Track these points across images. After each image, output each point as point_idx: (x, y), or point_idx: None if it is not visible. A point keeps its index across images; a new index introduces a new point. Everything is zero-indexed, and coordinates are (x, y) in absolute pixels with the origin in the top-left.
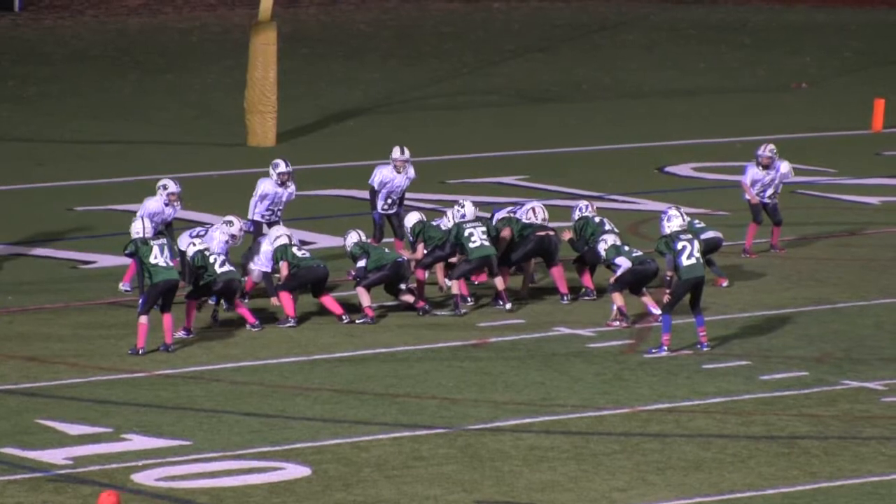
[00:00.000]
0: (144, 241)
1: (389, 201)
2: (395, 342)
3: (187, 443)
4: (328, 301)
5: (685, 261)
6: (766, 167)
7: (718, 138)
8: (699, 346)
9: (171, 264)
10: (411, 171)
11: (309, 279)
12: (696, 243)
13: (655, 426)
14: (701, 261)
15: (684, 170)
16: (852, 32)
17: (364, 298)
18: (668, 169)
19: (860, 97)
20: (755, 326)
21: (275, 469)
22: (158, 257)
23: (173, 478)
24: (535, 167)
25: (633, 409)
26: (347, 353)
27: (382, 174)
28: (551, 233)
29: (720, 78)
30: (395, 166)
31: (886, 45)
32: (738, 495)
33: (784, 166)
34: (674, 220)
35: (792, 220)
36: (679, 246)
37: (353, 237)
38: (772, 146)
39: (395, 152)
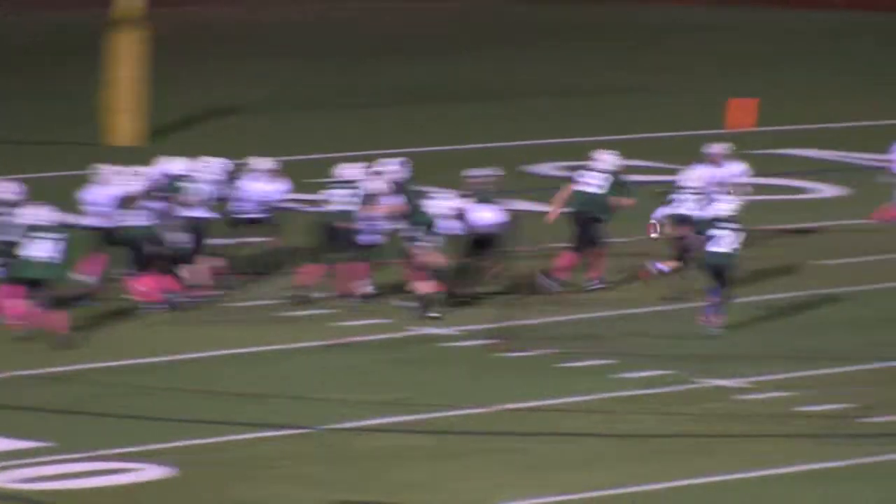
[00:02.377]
0: None
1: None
2: (258, 341)
3: (48, 444)
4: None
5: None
6: (714, 164)
7: (590, 138)
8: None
9: None
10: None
11: None
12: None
13: (518, 425)
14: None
15: (547, 168)
16: (720, 31)
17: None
18: (531, 168)
19: (721, 97)
20: (617, 325)
21: (137, 470)
22: None
23: (33, 479)
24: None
25: (495, 407)
26: (210, 352)
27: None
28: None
29: (595, 78)
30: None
31: (750, 45)
32: (600, 493)
33: (736, 167)
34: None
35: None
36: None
37: None
38: (725, 145)
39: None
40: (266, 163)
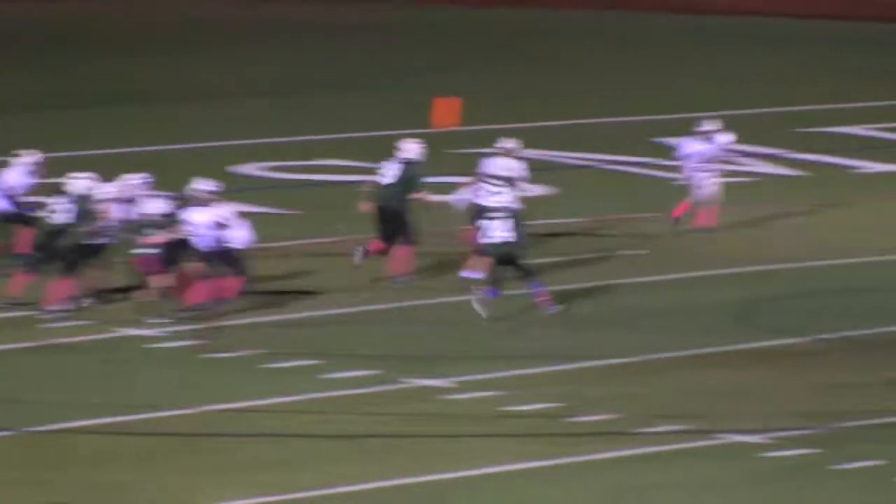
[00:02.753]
0: None
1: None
2: None
3: None
4: None
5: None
6: (706, 140)
7: (288, 137)
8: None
9: None
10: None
11: None
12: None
13: (224, 426)
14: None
15: (252, 169)
16: (420, 30)
17: None
18: (236, 168)
19: (424, 96)
20: (321, 326)
21: None
22: None
23: None
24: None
25: (202, 408)
26: None
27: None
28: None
29: (291, 77)
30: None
31: (452, 44)
32: (306, 494)
33: (724, 137)
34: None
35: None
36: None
37: None
38: (712, 121)
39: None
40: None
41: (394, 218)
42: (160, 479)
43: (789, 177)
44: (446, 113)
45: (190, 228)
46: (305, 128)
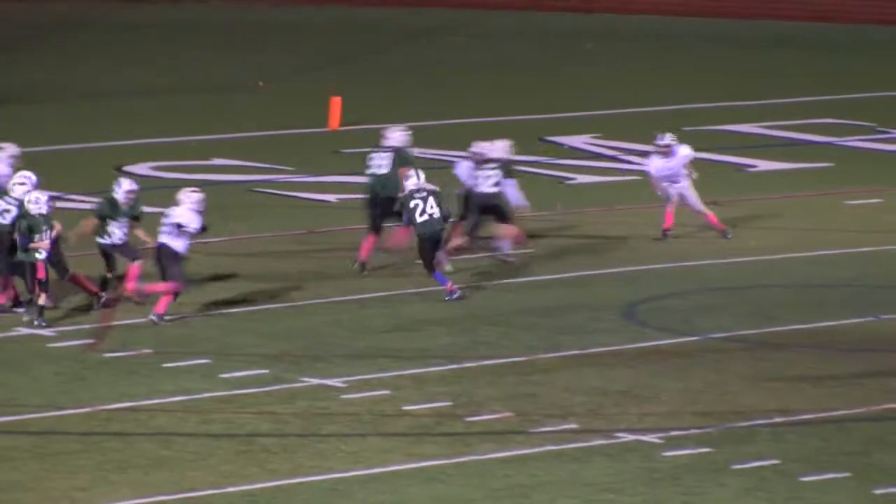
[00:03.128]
0: None
1: None
2: None
3: None
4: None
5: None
6: (665, 155)
7: (177, 137)
8: (449, 296)
9: None
10: None
11: None
12: (431, 200)
13: (116, 425)
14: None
15: (143, 169)
16: (311, 31)
17: None
18: (128, 168)
19: (317, 95)
20: (214, 324)
21: None
22: None
23: None
24: None
25: (93, 408)
26: None
27: None
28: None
29: (179, 77)
30: None
31: (343, 44)
32: (200, 493)
33: (684, 150)
34: (410, 180)
35: (250, 218)
36: (411, 204)
37: None
38: (670, 134)
39: None
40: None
41: (387, 203)
42: (53, 479)
43: None
44: (335, 111)
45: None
46: (188, 128)
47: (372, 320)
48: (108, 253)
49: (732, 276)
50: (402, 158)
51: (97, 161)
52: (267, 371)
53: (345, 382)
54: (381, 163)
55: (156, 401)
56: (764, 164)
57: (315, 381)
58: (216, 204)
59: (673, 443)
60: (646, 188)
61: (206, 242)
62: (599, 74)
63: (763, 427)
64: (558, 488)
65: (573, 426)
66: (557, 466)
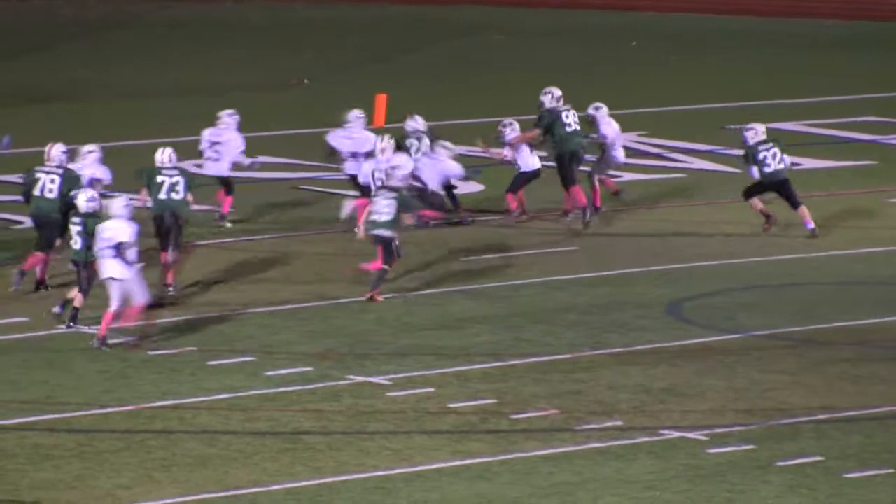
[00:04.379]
0: None
1: None
2: None
3: None
4: None
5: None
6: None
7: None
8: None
9: None
10: None
11: None
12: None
13: (160, 423)
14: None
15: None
16: (350, 29)
17: None
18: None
19: (357, 93)
20: (259, 322)
21: None
22: None
23: None
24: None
25: (137, 406)
26: None
27: None
28: None
29: (220, 76)
30: None
31: (382, 42)
32: (243, 491)
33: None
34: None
35: (293, 216)
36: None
37: None
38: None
39: None
40: None
41: (423, 186)
42: (96, 477)
43: (721, 173)
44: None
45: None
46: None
47: (416, 318)
48: None
49: (776, 273)
50: (431, 141)
51: (140, 160)
52: (311, 369)
53: (389, 380)
54: (420, 146)
55: (200, 399)
56: (809, 162)
57: (360, 378)
58: (262, 202)
59: (717, 440)
60: (691, 186)
61: (250, 240)
62: (640, 72)
63: (806, 424)
64: (603, 486)
65: (618, 423)
66: (602, 464)
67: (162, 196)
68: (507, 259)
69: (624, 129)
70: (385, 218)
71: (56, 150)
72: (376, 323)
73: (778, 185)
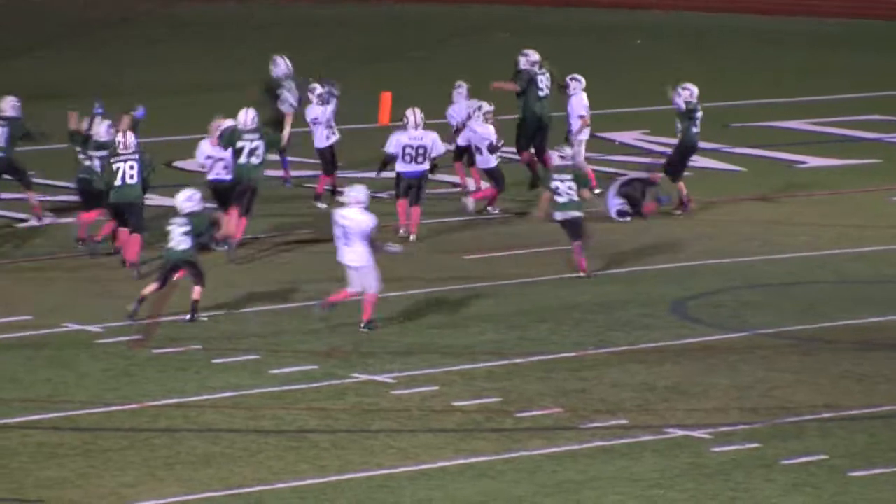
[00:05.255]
0: None
1: None
2: None
3: None
4: None
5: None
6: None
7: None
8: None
9: None
10: None
11: None
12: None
13: (164, 421)
14: None
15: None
16: (358, 27)
17: None
18: (181, 164)
19: (366, 92)
20: (263, 320)
21: None
22: None
23: None
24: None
25: (141, 404)
26: None
27: None
28: None
29: (228, 74)
30: None
31: (390, 40)
32: (248, 490)
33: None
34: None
35: (299, 213)
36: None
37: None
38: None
39: None
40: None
41: None
42: (100, 475)
43: (725, 171)
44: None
45: None
46: None
47: (420, 316)
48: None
49: (780, 272)
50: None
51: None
52: (316, 367)
53: (394, 378)
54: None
55: (204, 397)
56: (813, 161)
57: (364, 377)
58: (266, 198)
59: (721, 438)
60: (696, 184)
61: (256, 238)
62: (645, 71)
63: (811, 422)
64: (607, 484)
65: (622, 422)
66: (606, 462)
67: (242, 160)
68: (512, 257)
69: (628, 127)
70: (570, 200)
71: (131, 137)
72: (381, 321)
73: (695, 149)
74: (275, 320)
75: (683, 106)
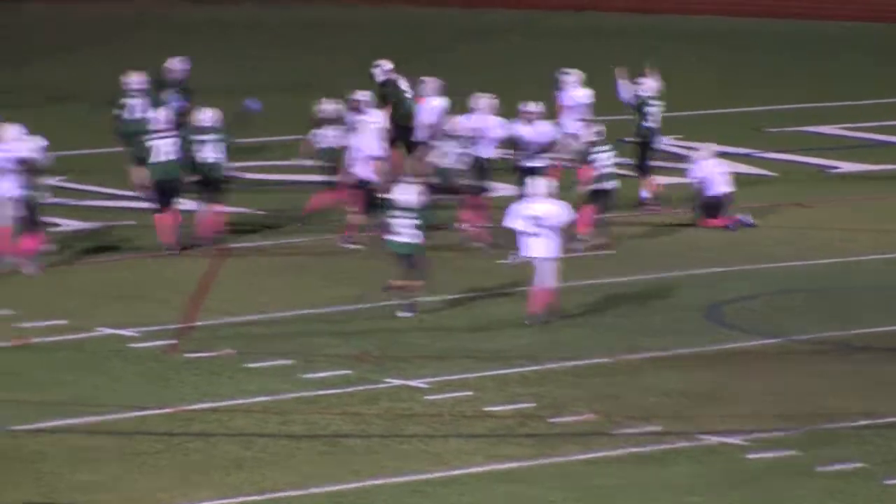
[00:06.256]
0: None
1: None
2: None
3: None
4: None
5: None
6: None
7: (256, 138)
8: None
9: None
10: None
11: None
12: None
13: (198, 426)
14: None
15: None
16: (367, 30)
17: None
18: None
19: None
20: (297, 325)
21: None
22: None
23: None
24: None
25: (175, 408)
26: None
27: None
28: None
29: (239, 77)
30: None
31: (400, 43)
32: (281, 494)
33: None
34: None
35: (330, 218)
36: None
37: None
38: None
39: None
40: None
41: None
42: (135, 479)
43: (759, 176)
44: None
45: None
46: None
47: (453, 321)
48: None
49: (815, 277)
50: None
51: None
52: (350, 372)
53: (427, 383)
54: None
55: (238, 401)
56: (847, 166)
57: (398, 381)
58: (298, 205)
59: (756, 445)
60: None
61: (289, 243)
62: (668, 75)
63: (847, 429)
64: (642, 490)
65: (656, 428)
66: (640, 469)
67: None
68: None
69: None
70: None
71: (207, 114)
72: (414, 326)
73: (649, 144)
74: (308, 325)
75: (634, 100)
